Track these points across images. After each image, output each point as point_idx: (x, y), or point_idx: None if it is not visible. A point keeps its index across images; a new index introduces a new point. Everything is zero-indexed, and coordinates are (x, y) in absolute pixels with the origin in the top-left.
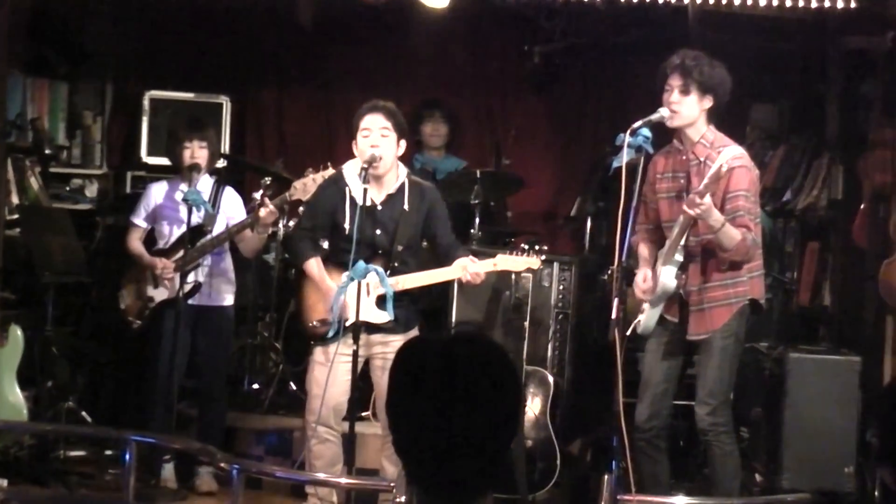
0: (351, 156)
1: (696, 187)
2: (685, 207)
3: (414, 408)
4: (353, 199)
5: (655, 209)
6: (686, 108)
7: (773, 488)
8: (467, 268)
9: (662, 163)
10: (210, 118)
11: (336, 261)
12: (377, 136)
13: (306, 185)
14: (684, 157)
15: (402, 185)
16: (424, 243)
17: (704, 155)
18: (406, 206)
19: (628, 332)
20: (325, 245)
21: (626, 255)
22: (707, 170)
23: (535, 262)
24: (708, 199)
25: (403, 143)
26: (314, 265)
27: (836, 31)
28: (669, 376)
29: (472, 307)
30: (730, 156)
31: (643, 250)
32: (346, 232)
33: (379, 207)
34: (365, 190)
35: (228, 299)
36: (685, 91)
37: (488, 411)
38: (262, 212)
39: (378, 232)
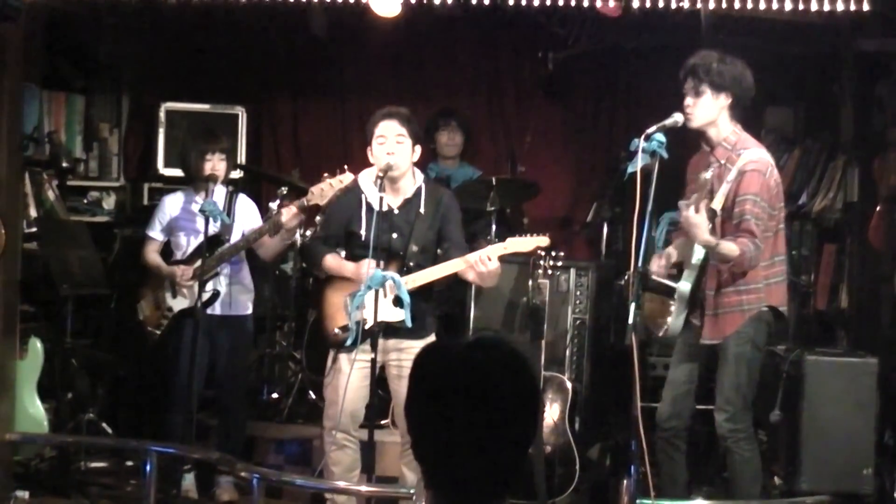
0: (366, 163)
1: (718, 190)
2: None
3: (432, 412)
4: (369, 206)
5: None
6: (700, 109)
7: (791, 491)
8: (468, 258)
9: (694, 165)
10: (226, 129)
11: None
12: (393, 142)
13: (324, 191)
14: (710, 160)
15: (419, 189)
16: (440, 251)
17: (725, 157)
18: (422, 210)
19: (660, 334)
20: (342, 254)
21: (641, 260)
22: (727, 173)
23: (543, 240)
24: (702, 216)
25: (418, 148)
26: (331, 259)
27: (850, 34)
28: (692, 378)
29: (489, 313)
30: (746, 160)
31: (670, 248)
32: (363, 238)
33: (395, 212)
34: (381, 198)
35: (247, 308)
36: (697, 92)
37: (507, 416)
38: (285, 215)
39: (394, 236)
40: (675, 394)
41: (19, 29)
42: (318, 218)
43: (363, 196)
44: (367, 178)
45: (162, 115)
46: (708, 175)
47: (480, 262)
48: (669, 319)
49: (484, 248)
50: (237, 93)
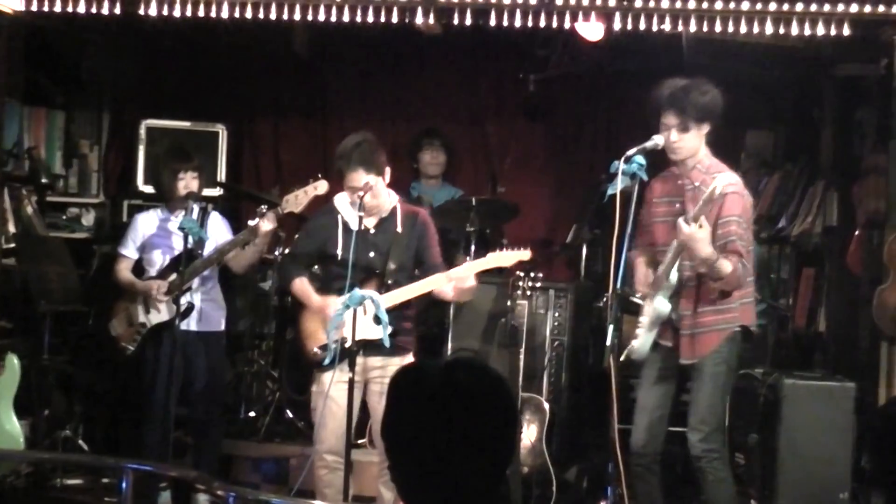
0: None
1: (691, 212)
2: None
3: (409, 433)
4: (345, 226)
5: (651, 232)
6: (688, 142)
7: None
8: (450, 274)
9: (659, 188)
10: (206, 146)
11: (331, 288)
12: (356, 205)
13: (297, 198)
14: (680, 182)
15: (395, 209)
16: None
17: (700, 180)
18: (399, 230)
19: (622, 358)
20: (317, 269)
21: (620, 282)
22: (702, 195)
23: (525, 253)
24: (706, 229)
25: (388, 170)
26: (299, 284)
27: (830, 59)
28: (664, 401)
29: (468, 334)
30: (724, 182)
31: (640, 262)
32: (340, 258)
33: (372, 231)
34: (360, 217)
35: (220, 325)
36: (684, 128)
37: (483, 437)
38: (261, 221)
39: (372, 254)
40: (650, 419)
41: (0, 45)
42: (296, 236)
43: (339, 216)
44: (342, 200)
45: (142, 131)
46: (718, 191)
47: (455, 286)
48: (635, 342)
49: (464, 263)
50: (218, 110)
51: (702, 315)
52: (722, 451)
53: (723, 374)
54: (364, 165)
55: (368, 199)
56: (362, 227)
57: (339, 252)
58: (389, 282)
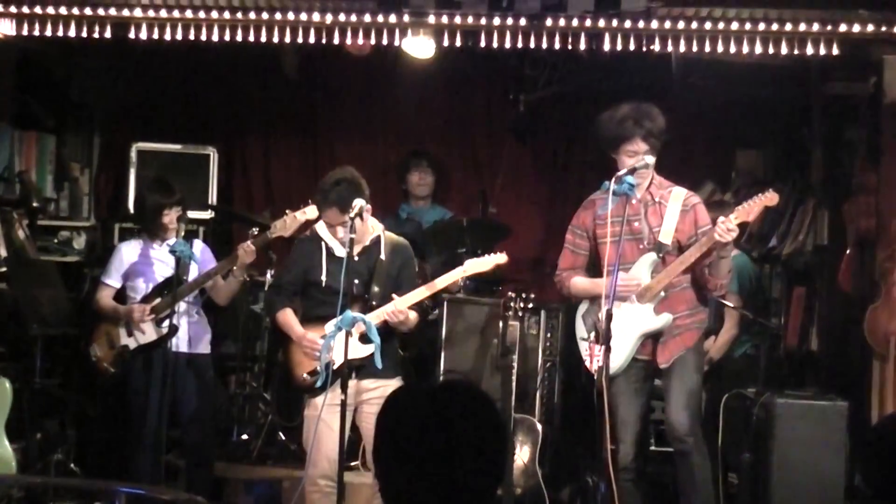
0: None
1: (656, 226)
2: (717, 236)
3: (401, 455)
4: (329, 253)
5: (586, 255)
6: (652, 164)
7: None
8: (436, 283)
9: (619, 209)
10: (197, 169)
11: (313, 314)
12: (348, 227)
13: (287, 223)
14: (635, 201)
15: (378, 237)
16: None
17: (659, 195)
18: (382, 257)
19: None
20: (301, 299)
21: (612, 301)
22: (664, 209)
23: (501, 257)
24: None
25: (369, 207)
26: (284, 315)
27: (819, 78)
28: (644, 413)
29: (460, 355)
30: (686, 194)
31: (581, 279)
32: (323, 285)
33: (355, 258)
34: (352, 240)
35: (206, 348)
36: (654, 152)
37: (474, 459)
38: (241, 251)
39: (356, 281)
40: (635, 432)
41: None
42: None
43: (323, 244)
44: (324, 228)
45: (133, 154)
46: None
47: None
48: (615, 360)
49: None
50: (209, 133)
51: (679, 319)
52: (701, 436)
53: (701, 367)
54: (339, 205)
55: (359, 237)
56: (352, 250)
57: (324, 279)
58: (374, 303)
